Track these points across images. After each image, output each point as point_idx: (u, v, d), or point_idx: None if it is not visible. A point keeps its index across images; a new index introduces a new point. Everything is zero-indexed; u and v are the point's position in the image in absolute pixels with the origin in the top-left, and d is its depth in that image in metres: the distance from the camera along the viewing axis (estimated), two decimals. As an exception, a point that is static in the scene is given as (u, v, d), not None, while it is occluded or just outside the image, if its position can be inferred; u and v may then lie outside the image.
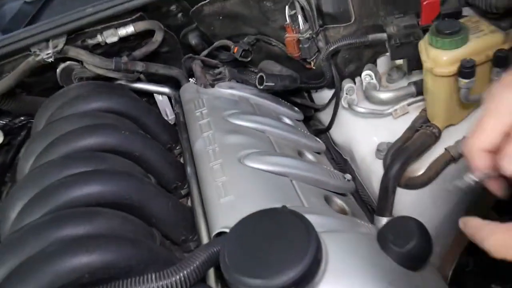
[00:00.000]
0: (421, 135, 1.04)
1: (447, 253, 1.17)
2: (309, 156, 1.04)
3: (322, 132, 1.36)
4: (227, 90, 1.16)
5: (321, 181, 0.92)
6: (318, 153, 1.12)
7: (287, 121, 1.20)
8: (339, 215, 0.84)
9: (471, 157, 0.53)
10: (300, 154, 1.03)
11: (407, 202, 1.07)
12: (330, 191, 0.93)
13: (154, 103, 1.30)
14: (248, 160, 0.88)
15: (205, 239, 0.79)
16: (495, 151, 0.50)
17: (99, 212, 0.74)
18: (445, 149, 1.02)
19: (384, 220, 1.03)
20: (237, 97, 1.15)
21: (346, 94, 1.19)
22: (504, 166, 0.48)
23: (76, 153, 0.88)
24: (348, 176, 0.96)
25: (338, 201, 0.94)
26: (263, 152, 0.91)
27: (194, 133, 1.01)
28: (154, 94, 1.27)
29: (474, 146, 0.52)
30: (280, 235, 0.61)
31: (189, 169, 0.95)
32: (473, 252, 1.18)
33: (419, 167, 1.04)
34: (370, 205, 1.17)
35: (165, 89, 1.25)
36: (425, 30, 1.00)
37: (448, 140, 1.04)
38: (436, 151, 1.04)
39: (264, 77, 1.12)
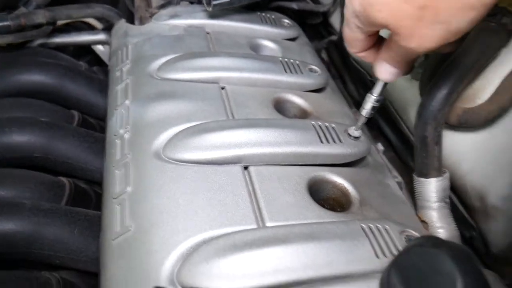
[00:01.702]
0: (480, 34, 0.59)
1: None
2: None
3: (336, 44, 0.94)
4: (168, 22, 0.78)
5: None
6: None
7: (270, 45, 0.80)
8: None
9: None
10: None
11: (468, 146, 0.66)
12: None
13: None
14: (171, 148, 0.53)
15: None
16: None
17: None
18: (527, 51, 0.57)
19: (430, 185, 0.63)
20: (182, 30, 0.76)
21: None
22: (376, 73, 0.52)
23: None
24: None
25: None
26: (200, 128, 0.55)
27: (110, 106, 0.67)
28: (93, 47, 0.92)
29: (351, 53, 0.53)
30: None
31: (104, 168, 0.63)
32: None
33: (482, 91, 0.61)
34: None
35: (100, 36, 0.90)
36: None
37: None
38: (510, 60, 0.59)
39: (211, -8, 0.71)
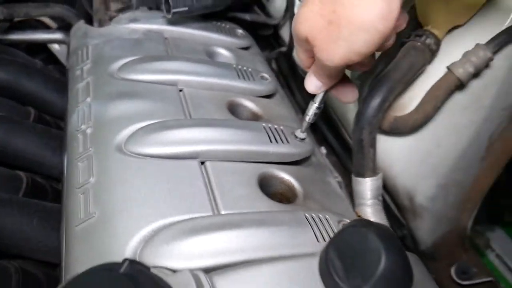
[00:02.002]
0: (408, 51, 0.68)
1: (463, 201, 0.86)
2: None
3: (285, 55, 1.01)
4: (127, 26, 0.81)
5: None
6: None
7: (224, 53, 0.85)
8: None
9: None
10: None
11: (398, 150, 0.75)
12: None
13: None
14: (133, 143, 0.57)
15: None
16: None
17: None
18: (448, 68, 0.67)
19: (365, 184, 0.71)
20: (141, 34, 0.80)
21: (300, 1, 0.82)
22: (305, 85, 0.58)
23: None
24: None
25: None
26: (160, 125, 0.60)
27: (70, 104, 0.69)
28: (48, 45, 0.93)
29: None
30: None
31: (65, 160, 0.65)
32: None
33: (409, 101, 0.70)
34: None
35: (57, 35, 0.91)
36: None
37: (451, 53, 0.68)
38: (434, 73, 0.68)
39: (171, 1, 0.75)
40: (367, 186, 0.71)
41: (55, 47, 0.94)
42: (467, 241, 0.91)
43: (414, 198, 0.82)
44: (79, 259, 0.48)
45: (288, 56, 0.98)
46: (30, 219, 0.59)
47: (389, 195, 0.85)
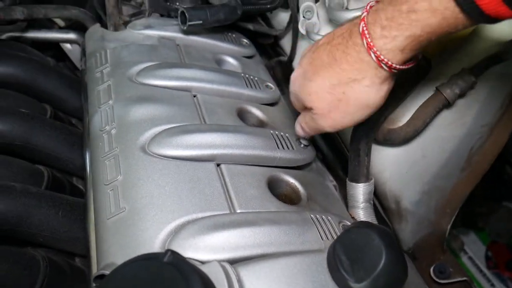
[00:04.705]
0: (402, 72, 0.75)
1: (444, 206, 0.95)
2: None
3: (285, 65, 1.07)
4: (142, 31, 0.86)
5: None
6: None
7: (231, 61, 0.91)
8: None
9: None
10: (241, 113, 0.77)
11: (389, 158, 0.83)
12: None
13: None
14: (156, 145, 0.62)
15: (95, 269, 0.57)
16: None
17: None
18: (437, 88, 0.75)
19: (359, 188, 0.78)
20: (156, 40, 0.86)
21: (304, 17, 0.88)
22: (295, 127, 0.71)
23: None
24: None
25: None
26: (181, 129, 0.65)
27: (92, 104, 0.74)
28: (61, 44, 0.97)
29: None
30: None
31: (87, 158, 0.70)
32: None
33: (402, 115, 0.77)
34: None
35: (70, 35, 0.95)
36: None
37: (441, 73, 0.76)
38: (424, 92, 0.76)
39: (187, 14, 0.81)
40: (360, 191, 0.78)
41: (67, 46, 0.98)
42: (445, 243, 0.99)
43: (400, 202, 0.89)
44: (111, 249, 0.53)
45: (288, 65, 1.05)
46: (56, 211, 0.64)
47: (377, 199, 0.93)
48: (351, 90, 0.56)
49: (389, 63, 0.52)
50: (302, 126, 0.68)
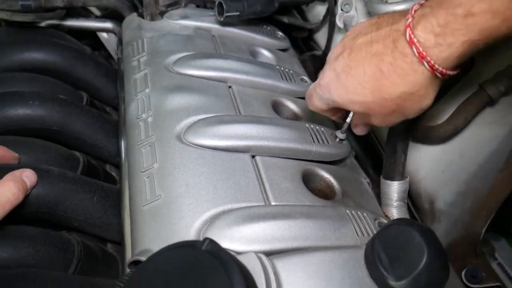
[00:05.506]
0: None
1: (479, 208, 0.92)
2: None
3: (319, 59, 1.06)
4: (178, 22, 0.86)
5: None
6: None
7: (266, 53, 0.91)
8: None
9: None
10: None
11: (425, 156, 0.81)
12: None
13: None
14: (192, 134, 0.62)
15: (128, 255, 0.58)
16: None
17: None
18: (480, 85, 0.72)
19: (394, 186, 0.77)
20: (192, 30, 0.86)
21: (342, 10, 0.87)
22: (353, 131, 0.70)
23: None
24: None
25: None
26: (217, 119, 0.65)
27: (128, 93, 0.74)
28: (97, 33, 0.98)
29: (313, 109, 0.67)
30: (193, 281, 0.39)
31: (123, 145, 0.71)
32: None
33: (441, 113, 0.75)
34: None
35: (107, 24, 0.96)
36: None
37: (484, 70, 0.73)
38: (465, 89, 0.73)
39: (224, 5, 0.80)
40: (395, 189, 0.77)
41: (104, 35, 0.99)
42: (478, 247, 0.96)
43: (435, 202, 0.87)
44: (146, 236, 0.53)
45: (322, 60, 1.03)
46: (91, 196, 0.64)
47: (410, 198, 0.91)
48: (405, 103, 0.54)
49: (444, 71, 0.49)
50: (360, 125, 0.68)
